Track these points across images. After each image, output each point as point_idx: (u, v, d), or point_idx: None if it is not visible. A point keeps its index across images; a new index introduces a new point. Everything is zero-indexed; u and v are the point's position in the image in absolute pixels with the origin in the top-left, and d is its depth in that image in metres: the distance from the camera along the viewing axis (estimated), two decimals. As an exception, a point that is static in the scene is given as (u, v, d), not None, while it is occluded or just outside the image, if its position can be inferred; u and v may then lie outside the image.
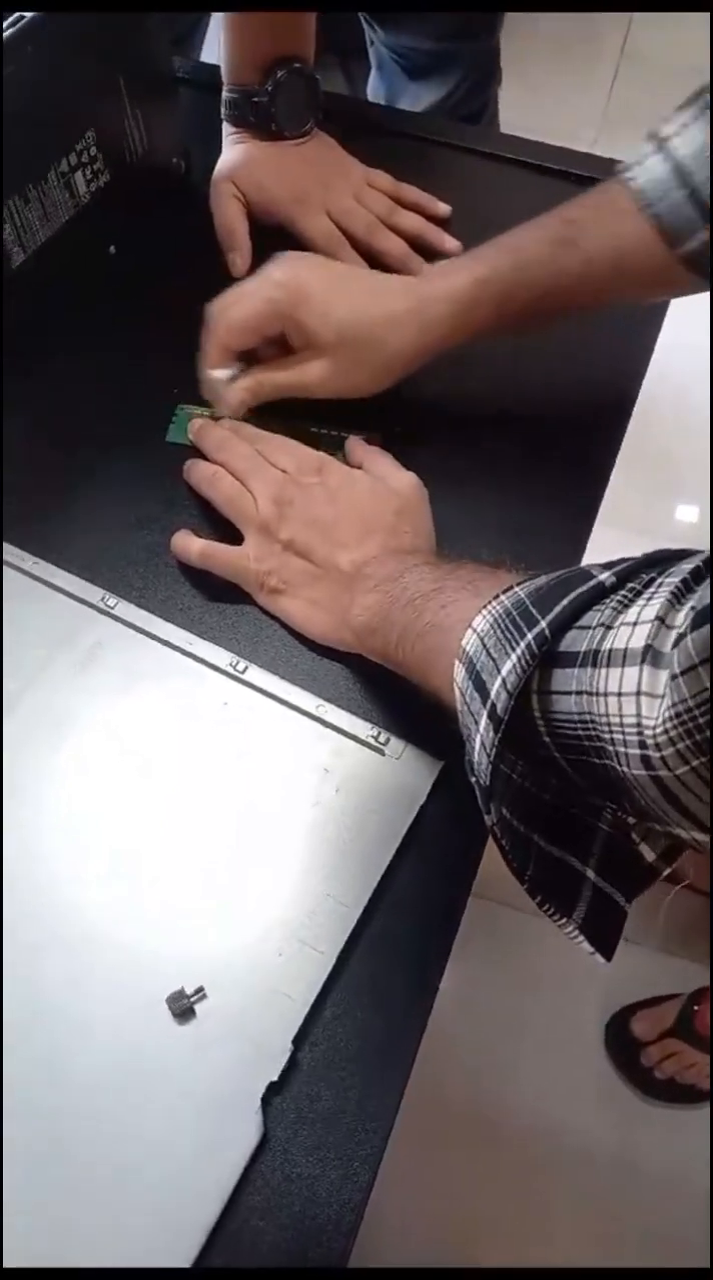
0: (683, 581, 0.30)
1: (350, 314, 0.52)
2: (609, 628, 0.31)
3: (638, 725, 0.29)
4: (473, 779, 0.36)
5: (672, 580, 0.30)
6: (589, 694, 0.31)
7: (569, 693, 0.32)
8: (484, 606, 0.37)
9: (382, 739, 0.48)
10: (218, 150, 0.65)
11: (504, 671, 0.34)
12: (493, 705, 0.34)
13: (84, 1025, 0.41)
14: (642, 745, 0.29)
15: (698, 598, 0.29)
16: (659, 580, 0.31)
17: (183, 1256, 0.37)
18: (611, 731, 0.30)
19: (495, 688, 0.34)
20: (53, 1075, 0.40)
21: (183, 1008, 0.41)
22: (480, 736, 0.34)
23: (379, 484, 0.52)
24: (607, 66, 1.95)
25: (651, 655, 0.29)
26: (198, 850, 0.45)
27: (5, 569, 0.52)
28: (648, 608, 0.30)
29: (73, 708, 0.48)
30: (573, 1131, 1.08)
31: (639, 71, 1.93)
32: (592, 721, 0.31)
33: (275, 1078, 0.40)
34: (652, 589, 0.31)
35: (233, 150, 0.65)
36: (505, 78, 1.10)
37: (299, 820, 0.46)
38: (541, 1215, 1.05)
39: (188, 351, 0.55)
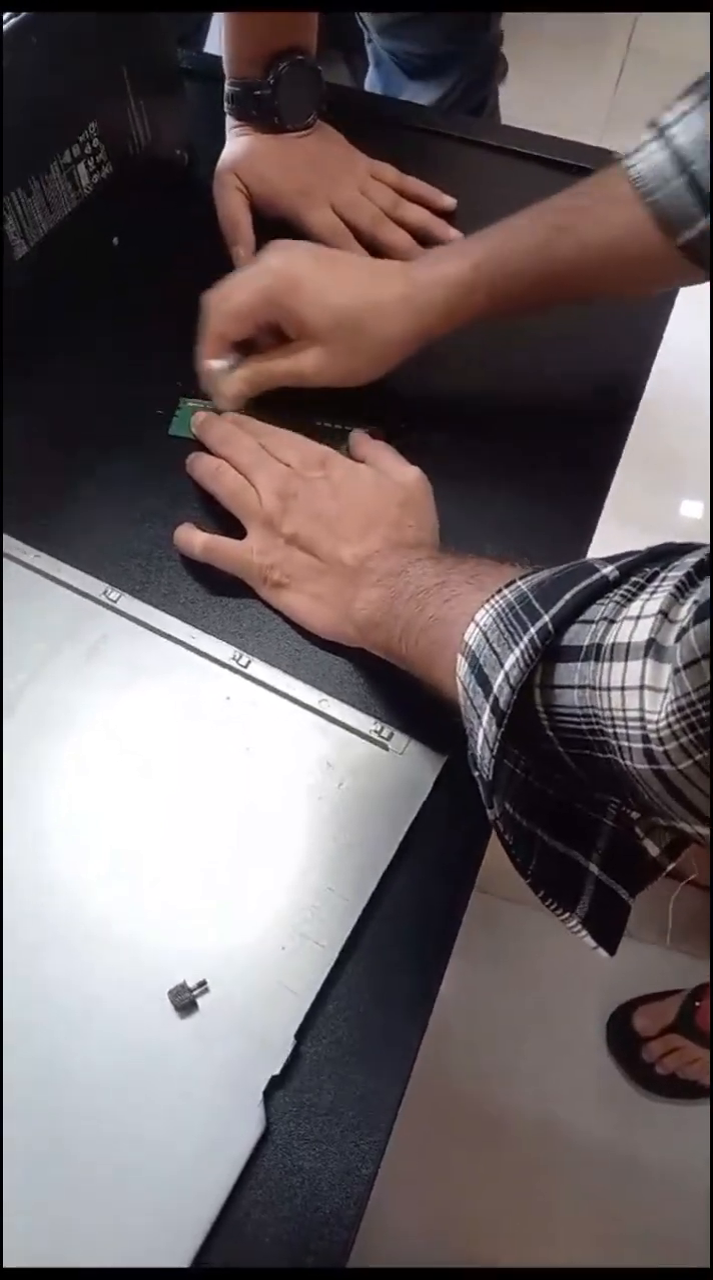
0: (687, 576, 0.30)
1: (344, 301, 0.52)
2: (613, 622, 0.31)
3: (641, 719, 0.29)
4: (476, 773, 0.36)
5: (675, 574, 0.30)
6: (592, 688, 0.31)
7: (572, 687, 0.32)
8: (487, 600, 0.37)
9: (385, 733, 0.47)
10: (222, 142, 0.65)
11: (507, 665, 0.34)
12: (496, 699, 0.34)
13: (85, 1019, 0.41)
14: (645, 739, 0.29)
15: (701, 592, 0.29)
16: (663, 574, 0.31)
17: (184, 1250, 0.37)
18: (614, 725, 0.30)
19: (499, 682, 0.34)
20: (53, 1072, 0.40)
21: (185, 1001, 0.41)
22: (483, 730, 0.34)
23: (383, 478, 0.52)
24: (613, 62, 1.94)
25: (654, 649, 0.29)
26: (200, 844, 0.45)
27: (7, 563, 0.52)
28: (651, 602, 0.30)
29: (76, 702, 0.48)
30: (574, 1126, 1.08)
31: (646, 67, 1.92)
32: (595, 716, 0.31)
33: (277, 1071, 0.40)
34: (655, 583, 0.31)
35: (236, 142, 0.64)
36: (511, 72, 1.10)
37: (301, 814, 0.46)
38: (541, 1209, 1.05)
39: (191, 345, 0.54)
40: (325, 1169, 0.39)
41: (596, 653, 0.31)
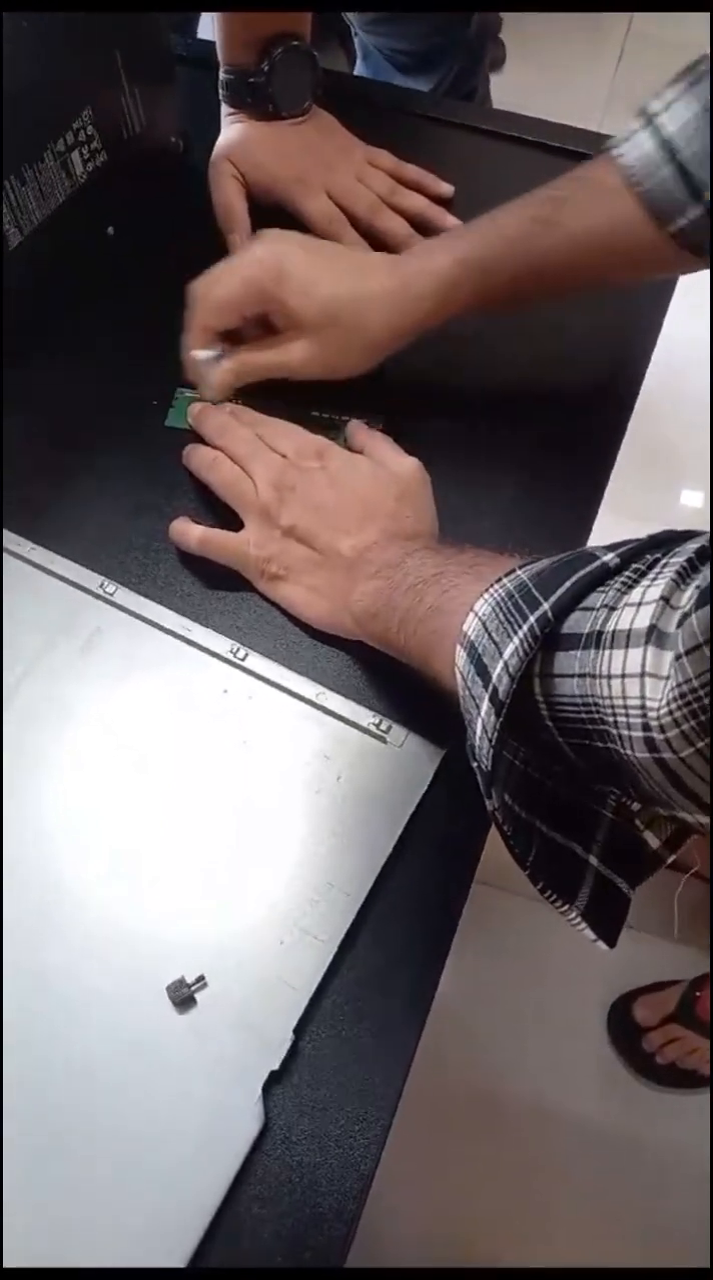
0: (688, 562, 0.29)
1: (332, 292, 0.52)
2: (613, 609, 0.31)
3: (642, 707, 0.28)
4: (475, 764, 0.35)
5: (676, 561, 0.30)
6: (593, 676, 0.31)
7: (572, 675, 0.32)
8: (486, 590, 0.36)
9: (383, 726, 0.47)
10: (217, 129, 0.64)
11: (506, 655, 0.33)
12: (495, 689, 0.33)
13: (82, 1015, 0.41)
14: (645, 727, 0.28)
15: (703, 577, 0.28)
16: (664, 561, 0.31)
17: (183, 1246, 0.37)
18: (614, 714, 0.30)
19: (498, 671, 0.33)
20: (51, 1068, 0.40)
21: (183, 996, 0.41)
22: (482, 720, 0.34)
23: (380, 469, 0.52)
24: (613, 46, 1.93)
25: (655, 636, 0.28)
26: (198, 839, 0.45)
27: (4, 555, 0.52)
28: (652, 588, 0.30)
29: (71, 696, 0.48)
30: (575, 1116, 1.08)
31: (646, 52, 1.91)
32: (595, 704, 0.31)
33: (276, 1066, 0.40)
34: (656, 570, 0.31)
35: (231, 130, 0.64)
36: (510, 58, 1.10)
37: (299, 808, 0.45)
38: (542, 1202, 1.05)
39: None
40: (324, 1164, 0.39)
41: (596, 640, 0.31)
